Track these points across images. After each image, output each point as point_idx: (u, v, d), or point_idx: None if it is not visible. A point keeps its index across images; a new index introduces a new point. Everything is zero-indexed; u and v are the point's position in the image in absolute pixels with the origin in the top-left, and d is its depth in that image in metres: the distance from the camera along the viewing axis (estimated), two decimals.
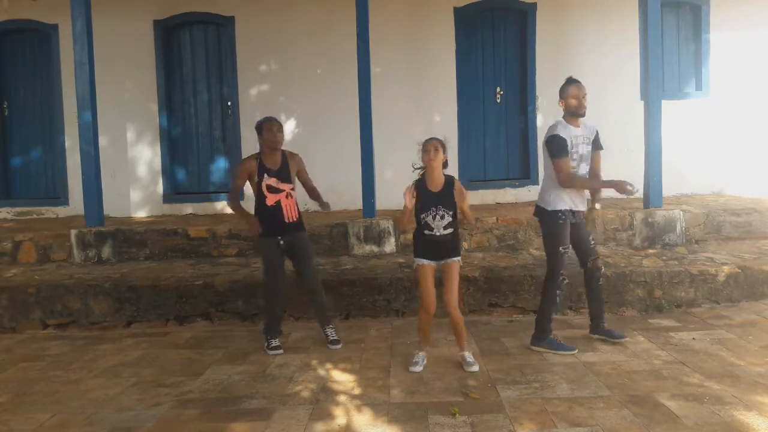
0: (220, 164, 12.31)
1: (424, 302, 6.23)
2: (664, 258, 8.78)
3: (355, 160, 9.63)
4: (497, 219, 9.65)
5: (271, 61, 11.93)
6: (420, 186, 6.24)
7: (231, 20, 11.92)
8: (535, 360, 6.38)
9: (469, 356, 6.22)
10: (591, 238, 6.91)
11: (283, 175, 6.89)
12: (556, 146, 6.49)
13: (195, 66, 12.28)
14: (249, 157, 7.03)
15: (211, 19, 12.04)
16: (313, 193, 7.16)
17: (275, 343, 6.92)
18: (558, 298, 6.79)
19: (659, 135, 9.54)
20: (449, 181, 6.26)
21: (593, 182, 6.75)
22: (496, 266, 8.57)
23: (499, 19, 12.19)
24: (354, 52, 9.64)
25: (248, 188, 7.11)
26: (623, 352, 6.52)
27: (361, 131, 9.52)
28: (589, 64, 11.61)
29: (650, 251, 9.16)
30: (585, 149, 6.62)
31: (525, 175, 12.14)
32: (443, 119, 11.78)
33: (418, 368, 6.18)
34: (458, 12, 11.87)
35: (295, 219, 6.93)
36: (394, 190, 10.61)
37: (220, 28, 12.10)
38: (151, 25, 11.95)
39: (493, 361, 6.26)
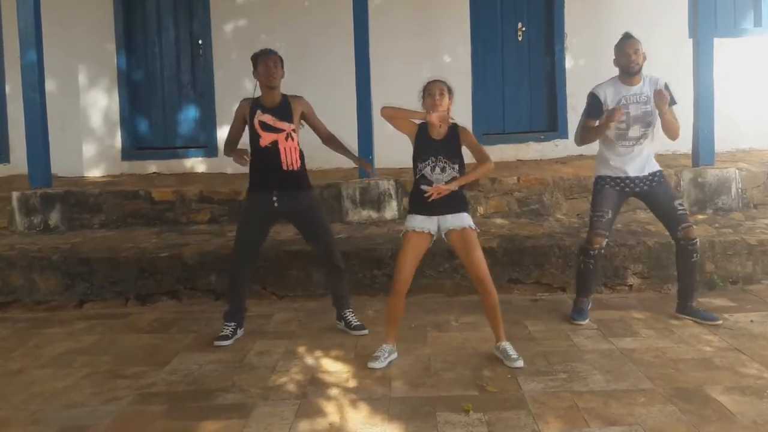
0: (190, 114, 12.24)
1: (396, 278, 6.12)
2: (716, 225, 8.75)
3: (350, 109, 9.58)
4: (518, 179, 9.61)
5: None
6: (421, 130, 6.17)
7: None
8: (563, 346, 6.37)
9: (510, 348, 6.05)
10: (677, 203, 6.94)
11: (282, 113, 6.73)
12: (586, 105, 7.00)
13: None
14: (244, 99, 6.95)
15: None
16: (332, 142, 7.07)
17: (225, 331, 6.79)
18: (586, 268, 7.03)
19: (711, 79, 9.49)
20: (454, 129, 6.18)
21: (596, 131, 6.91)
22: (518, 235, 8.54)
23: None
24: None
25: None
26: (668, 337, 6.51)
27: (357, 76, 9.47)
28: None
29: (700, 217, 9.12)
30: (640, 109, 6.78)
31: (551, 127, 12.08)
32: (454, 60, 11.70)
33: (378, 364, 6.01)
34: None
35: (295, 167, 6.74)
36: (396, 145, 10.52)
37: None
38: None
39: (514, 348, 6.19)
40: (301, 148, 6.82)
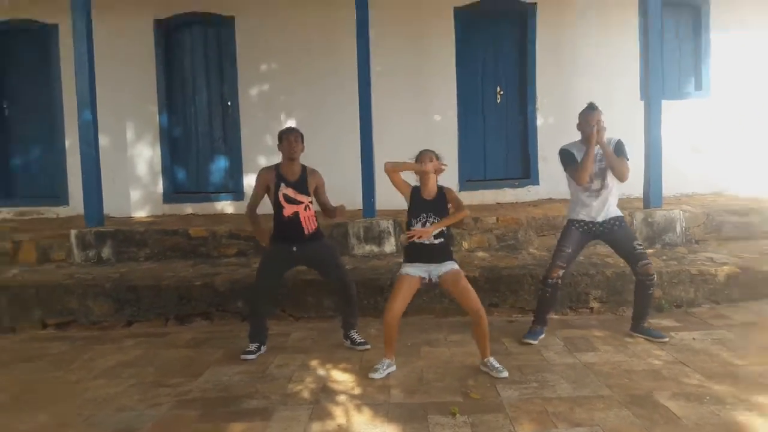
0: (220, 164, 12.29)
1: (388, 311, 6.11)
2: (664, 258, 8.77)
3: (355, 159, 9.62)
4: (497, 219, 9.65)
5: (272, 61, 11.92)
6: (414, 191, 6.28)
7: (231, 20, 11.90)
8: (535, 360, 6.38)
9: (495, 362, 6.08)
10: (636, 243, 7.00)
11: (301, 186, 6.84)
12: (566, 159, 7.03)
13: (195, 66, 12.26)
14: (268, 167, 7.03)
15: (212, 19, 12.01)
16: (326, 210, 7.11)
17: (250, 347, 6.83)
18: (544, 295, 7.10)
19: (659, 134, 9.55)
20: (441, 190, 6.30)
21: (584, 162, 6.83)
22: (496, 266, 8.57)
23: (500, 19, 12.16)
24: (354, 53, 9.65)
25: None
26: (623, 352, 6.53)
27: (362, 131, 9.52)
28: (589, 63, 11.65)
29: (650, 251, 9.11)
30: (597, 167, 6.88)
31: (525, 174, 12.12)
32: (443, 119, 11.77)
33: (377, 375, 6.04)
34: (458, 12, 11.85)
35: (313, 230, 6.88)
36: (394, 191, 10.63)
37: (221, 28, 12.07)
38: (151, 25, 11.93)
39: (498, 362, 6.22)
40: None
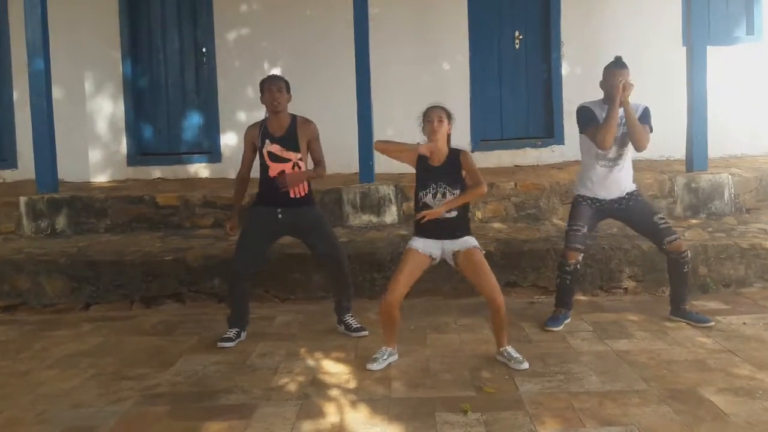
0: (194, 120, 12.23)
1: (389, 292, 6.04)
2: (709, 229, 8.75)
3: (350, 115, 9.59)
4: (516, 184, 9.62)
5: (253, 0, 11.84)
6: (421, 158, 6.12)
7: None
8: (559, 348, 6.37)
9: (514, 351, 6.05)
10: (658, 217, 6.97)
11: (289, 142, 6.75)
12: (584, 117, 6.98)
13: (164, 7, 12.18)
14: (253, 124, 6.97)
15: None
16: (316, 166, 7.02)
17: (228, 334, 6.79)
18: (563, 283, 7.09)
19: (704, 86, 9.50)
20: (455, 154, 6.14)
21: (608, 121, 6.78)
22: (515, 239, 8.55)
23: None
24: None
25: None
26: (662, 339, 6.51)
27: (358, 82, 9.49)
28: (623, 4, 11.56)
29: (693, 221, 9.13)
30: (619, 131, 6.81)
31: (548, 133, 12.08)
32: (453, 68, 11.71)
33: (377, 366, 6.00)
34: None
35: (302, 194, 6.79)
36: None
37: None
38: None
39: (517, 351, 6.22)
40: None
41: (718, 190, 9.40)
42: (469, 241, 6.14)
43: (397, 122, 10.53)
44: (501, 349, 6.09)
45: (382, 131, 9.98)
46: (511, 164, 11.75)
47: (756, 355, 6.02)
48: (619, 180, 6.90)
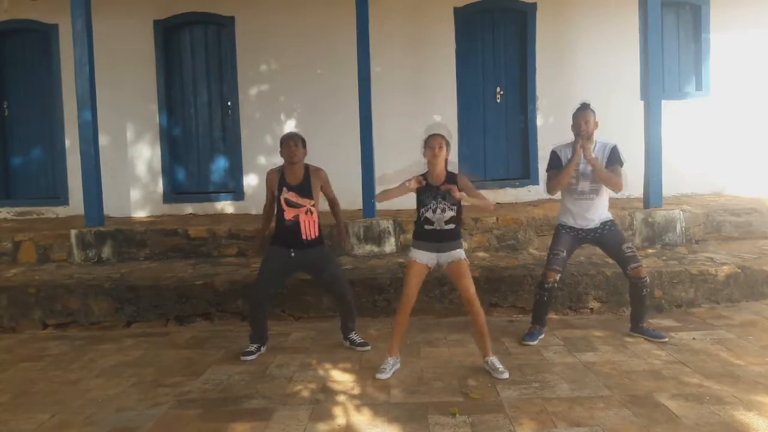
0: (220, 164, 12.30)
1: (403, 300, 6.15)
2: (664, 258, 8.78)
3: (355, 159, 9.63)
4: (497, 219, 9.66)
5: (271, 61, 11.93)
6: (421, 181, 6.14)
7: (231, 20, 11.91)
8: (535, 360, 6.39)
9: (497, 362, 6.10)
10: (626, 246, 7.01)
11: (303, 190, 6.78)
12: (549, 161, 7.10)
13: (195, 66, 12.27)
14: (273, 169, 6.98)
15: (211, 19, 12.03)
16: (333, 207, 7.12)
17: (250, 348, 6.85)
18: (541, 299, 7.08)
19: (659, 135, 9.56)
20: (452, 176, 6.18)
21: (562, 176, 6.92)
22: (497, 266, 8.58)
23: (499, 19, 12.17)
24: (354, 53, 9.66)
25: None
26: (623, 352, 6.54)
27: (361, 131, 9.53)
28: (589, 64, 11.65)
29: (650, 251, 9.17)
30: (588, 168, 6.86)
31: (525, 175, 12.13)
32: (443, 119, 11.71)
33: (385, 375, 6.05)
34: (458, 12, 11.88)
35: (313, 237, 6.80)
36: None
37: (221, 28, 12.09)
38: (151, 25, 11.95)
39: (500, 362, 6.23)
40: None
41: (671, 224, 9.43)
42: (459, 253, 6.18)
43: (395, 166, 10.59)
44: (486, 359, 6.14)
45: (382, 173, 10.03)
46: (492, 201, 11.73)
47: (704, 366, 6.04)
48: (594, 211, 6.93)
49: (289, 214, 6.72)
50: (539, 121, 11.93)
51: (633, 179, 9.73)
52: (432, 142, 6.13)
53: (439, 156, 6.09)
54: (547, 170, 7.13)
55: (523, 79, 12.07)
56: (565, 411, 5.13)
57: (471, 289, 6.12)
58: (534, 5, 11.89)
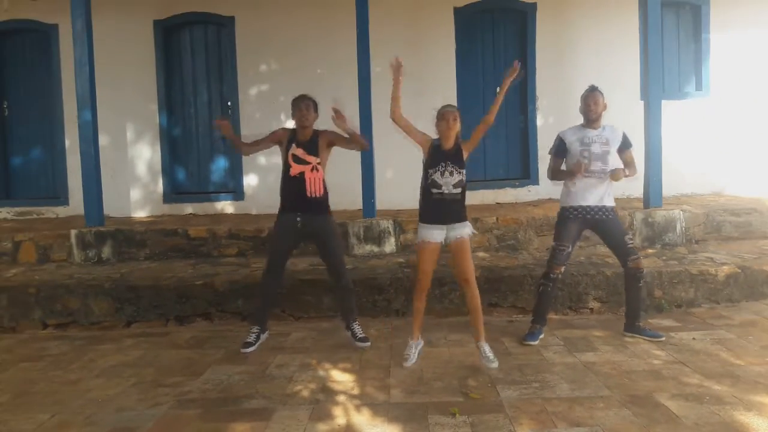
0: (220, 164, 12.31)
1: (420, 283, 6.29)
2: (663, 258, 8.79)
3: (355, 160, 9.62)
4: (497, 219, 9.66)
5: (271, 61, 11.94)
6: (433, 144, 6.33)
7: (231, 20, 11.92)
8: (535, 360, 6.39)
9: (488, 348, 6.21)
10: (627, 237, 7.02)
11: (311, 147, 6.82)
12: (553, 146, 7.14)
13: (195, 66, 12.28)
14: (285, 128, 7.05)
15: (211, 19, 12.04)
16: (352, 137, 7.05)
17: (249, 337, 6.91)
18: (545, 290, 7.07)
19: (659, 135, 9.57)
20: (459, 144, 6.32)
21: (565, 174, 6.99)
22: (497, 266, 8.58)
23: (499, 19, 12.19)
24: (354, 53, 9.68)
25: None
26: (623, 352, 6.53)
27: (362, 131, 9.49)
28: (589, 64, 11.65)
29: (650, 251, 9.17)
30: (600, 149, 6.90)
31: (525, 175, 12.14)
32: None
33: (410, 362, 6.23)
34: (458, 12, 11.89)
35: (318, 195, 6.79)
36: (395, 190, 10.66)
37: (221, 28, 12.10)
38: (151, 25, 11.96)
39: (491, 350, 6.23)
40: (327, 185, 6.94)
41: (671, 224, 9.44)
42: (467, 228, 6.28)
43: (396, 166, 10.61)
44: (478, 343, 6.26)
45: (382, 173, 10.04)
46: (493, 202, 11.80)
47: (704, 366, 6.05)
48: (600, 190, 6.90)
49: (294, 170, 6.74)
50: (539, 121, 11.95)
51: (633, 179, 9.73)
52: (446, 115, 6.33)
53: (453, 128, 6.28)
54: (549, 152, 7.17)
55: (523, 79, 12.05)
56: (565, 411, 5.13)
57: (470, 269, 6.24)
58: (534, 5, 11.90)
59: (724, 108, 12.02)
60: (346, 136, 6.91)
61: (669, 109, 10.49)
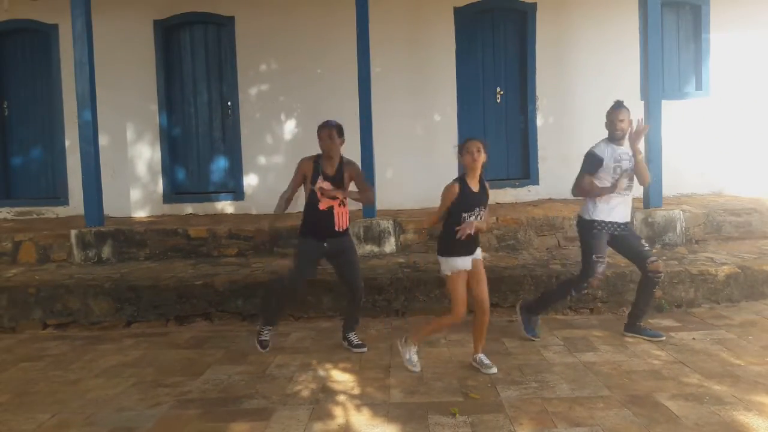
0: (220, 164, 12.30)
1: (458, 312, 6.04)
2: (664, 258, 8.77)
3: (355, 159, 9.59)
4: (497, 219, 9.67)
5: (271, 60, 11.94)
6: (462, 185, 6.04)
7: (231, 20, 11.92)
8: (534, 360, 6.39)
9: (485, 358, 6.18)
10: (643, 242, 7.05)
11: (339, 181, 6.72)
12: (586, 162, 6.91)
13: (195, 66, 12.28)
14: (308, 157, 6.85)
15: (211, 19, 12.04)
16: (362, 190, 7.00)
17: (266, 336, 6.98)
18: (567, 295, 7.21)
19: (659, 135, 9.57)
20: (482, 181, 6.19)
21: (594, 189, 6.85)
22: (497, 266, 8.58)
23: (499, 19, 12.18)
24: (354, 53, 9.67)
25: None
26: (623, 352, 6.54)
27: (361, 131, 9.53)
28: (589, 64, 11.65)
29: None
30: (628, 164, 6.85)
31: (525, 175, 12.13)
32: (443, 119, 11.77)
33: (418, 368, 6.20)
34: (458, 12, 11.88)
35: (344, 228, 6.79)
36: (395, 190, 10.66)
37: (221, 28, 12.10)
38: (151, 25, 11.95)
39: (493, 361, 6.19)
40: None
41: (671, 224, 9.44)
42: (480, 252, 6.26)
43: (396, 165, 10.62)
44: (475, 356, 6.22)
45: (382, 173, 10.04)
46: (492, 202, 11.62)
47: (704, 366, 6.05)
48: (628, 206, 6.92)
49: (324, 204, 6.65)
50: (539, 121, 11.93)
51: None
52: (470, 147, 6.00)
53: (479, 160, 5.96)
54: (583, 170, 6.90)
55: (523, 79, 12.07)
56: (565, 411, 5.14)
57: (486, 290, 6.19)
58: (534, 5, 11.90)
59: (724, 108, 12.02)
60: (364, 182, 6.92)
61: (669, 109, 10.49)
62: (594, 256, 6.87)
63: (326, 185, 6.61)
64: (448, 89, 11.84)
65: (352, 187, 6.87)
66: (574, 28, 11.85)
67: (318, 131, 6.75)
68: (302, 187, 6.83)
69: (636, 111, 10.03)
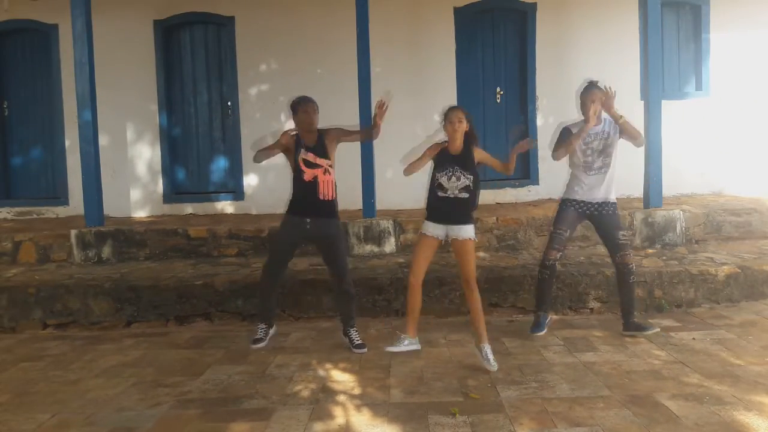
0: (220, 164, 12.30)
1: (411, 272, 6.42)
2: (664, 258, 8.79)
3: (355, 160, 9.62)
4: (497, 219, 9.67)
5: (271, 61, 11.94)
6: (441, 150, 6.38)
7: (231, 20, 11.92)
8: (535, 360, 6.39)
9: (489, 351, 6.19)
10: (621, 233, 7.07)
11: (320, 150, 6.79)
12: (560, 135, 7.13)
13: (195, 66, 12.27)
14: (288, 131, 6.93)
15: (211, 19, 12.04)
16: (364, 132, 7.24)
17: (258, 333, 7.00)
18: (542, 278, 7.21)
19: (659, 135, 9.57)
20: (469, 148, 6.36)
21: (568, 147, 6.98)
22: (497, 266, 8.58)
23: (499, 19, 12.18)
24: (354, 53, 9.67)
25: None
26: (623, 351, 6.54)
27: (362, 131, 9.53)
28: (589, 64, 11.62)
29: (650, 251, 9.17)
30: (602, 144, 6.94)
31: (525, 175, 12.13)
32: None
33: (394, 349, 6.41)
34: (458, 12, 11.88)
35: (330, 198, 6.79)
36: (395, 190, 10.66)
37: (221, 28, 12.10)
38: (151, 25, 11.95)
39: (492, 354, 6.21)
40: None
41: (671, 224, 9.44)
42: (469, 231, 6.34)
43: (396, 166, 10.58)
44: (479, 345, 6.24)
45: (382, 173, 10.04)
46: (493, 202, 11.79)
47: (704, 366, 6.05)
48: (603, 186, 6.96)
49: (308, 175, 6.71)
50: (539, 121, 11.94)
51: (633, 179, 9.78)
52: (452, 117, 6.33)
53: (459, 130, 6.31)
54: (556, 142, 7.12)
55: (523, 79, 12.08)
56: (565, 411, 5.13)
57: (472, 270, 6.31)
58: (534, 5, 11.90)
59: (724, 108, 12.01)
60: (350, 130, 7.08)
61: (669, 109, 10.48)
62: (552, 227, 7.15)
63: (310, 156, 6.72)
64: (448, 89, 11.83)
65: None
66: (574, 28, 11.86)
67: (297, 105, 6.90)
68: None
69: (636, 111, 10.11)
